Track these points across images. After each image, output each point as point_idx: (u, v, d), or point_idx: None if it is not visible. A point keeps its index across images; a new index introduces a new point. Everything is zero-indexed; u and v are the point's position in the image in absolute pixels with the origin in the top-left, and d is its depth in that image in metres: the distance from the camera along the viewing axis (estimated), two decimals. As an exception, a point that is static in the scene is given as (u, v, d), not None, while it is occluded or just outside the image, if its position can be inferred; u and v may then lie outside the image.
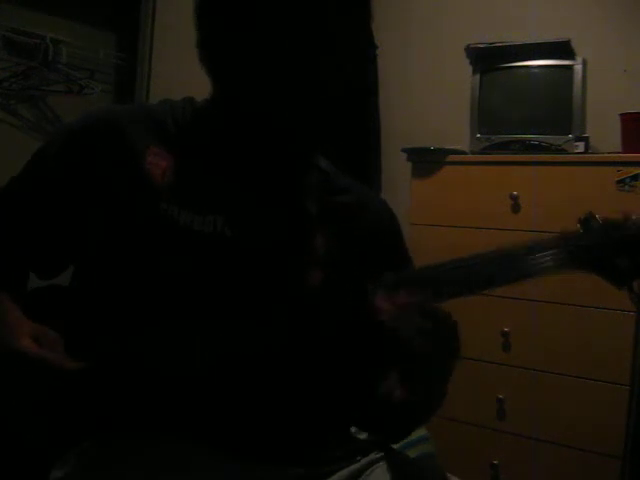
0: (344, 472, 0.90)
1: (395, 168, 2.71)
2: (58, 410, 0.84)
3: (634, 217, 0.80)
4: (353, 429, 1.03)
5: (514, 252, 0.82)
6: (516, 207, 2.25)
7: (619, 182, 2.07)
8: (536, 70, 2.37)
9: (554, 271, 0.80)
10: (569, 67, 2.28)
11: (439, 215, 2.41)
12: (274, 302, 0.85)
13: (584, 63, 2.28)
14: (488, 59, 2.41)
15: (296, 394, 0.90)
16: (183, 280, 0.86)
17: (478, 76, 2.43)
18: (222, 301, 0.85)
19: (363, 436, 1.05)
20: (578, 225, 0.82)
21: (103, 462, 0.82)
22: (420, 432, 1.61)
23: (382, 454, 0.94)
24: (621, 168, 2.07)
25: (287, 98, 0.86)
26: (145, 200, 0.89)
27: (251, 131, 0.91)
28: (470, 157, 2.42)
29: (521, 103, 2.38)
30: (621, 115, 2.22)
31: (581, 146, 2.20)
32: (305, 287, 0.89)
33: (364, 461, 0.92)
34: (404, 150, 2.53)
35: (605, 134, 2.29)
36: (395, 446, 1.00)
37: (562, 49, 2.28)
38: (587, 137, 2.22)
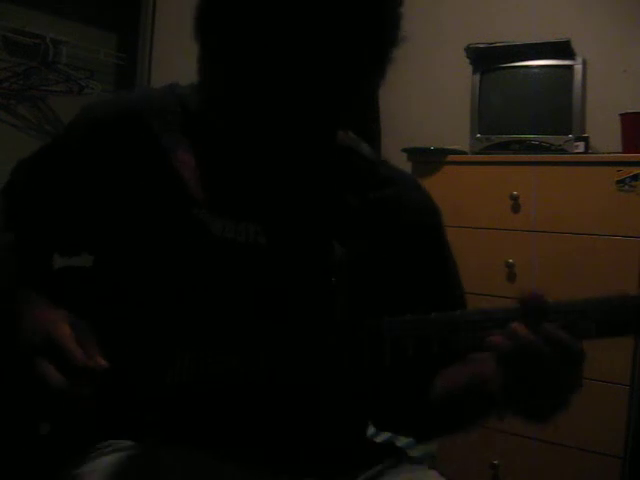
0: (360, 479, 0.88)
1: (395, 168, 2.71)
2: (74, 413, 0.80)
3: None
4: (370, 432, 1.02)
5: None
6: (516, 207, 2.25)
7: (619, 182, 2.07)
8: (536, 70, 2.36)
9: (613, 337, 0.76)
10: (569, 67, 2.28)
11: (439, 215, 2.41)
12: (308, 314, 0.81)
13: (584, 63, 2.28)
14: (488, 59, 2.41)
15: (315, 405, 0.86)
16: (214, 288, 0.82)
17: (478, 76, 2.43)
18: (256, 311, 0.81)
19: (379, 439, 1.03)
20: None
21: (116, 465, 0.79)
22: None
23: (394, 460, 0.91)
24: (621, 168, 2.07)
25: (285, 91, 0.77)
26: (177, 204, 0.83)
27: (259, 128, 0.81)
28: (470, 157, 2.41)
29: (521, 103, 2.38)
30: (621, 115, 2.22)
31: (581, 146, 2.20)
32: (343, 294, 0.84)
33: (377, 468, 0.89)
34: (404, 150, 2.53)
35: (605, 134, 2.29)
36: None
37: (562, 49, 2.28)
38: (587, 137, 2.21)
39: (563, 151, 2.23)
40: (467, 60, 2.46)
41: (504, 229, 2.26)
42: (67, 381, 0.75)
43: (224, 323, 0.81)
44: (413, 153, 2.51)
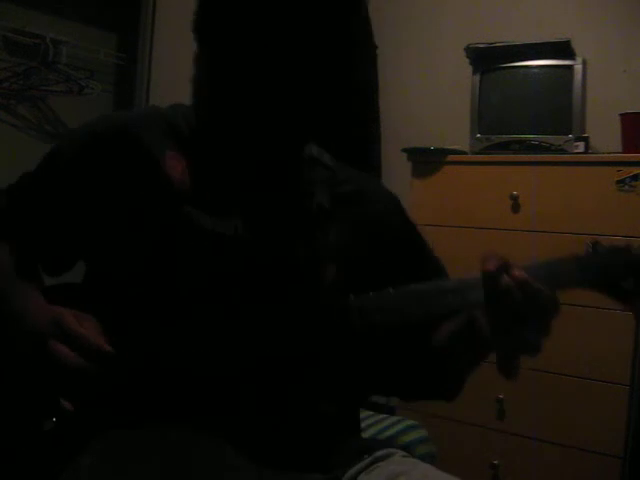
0: (352, 471, 0.91)
1: (395, 168, 2.71)
2: (80, 400, 0.85)
3: (636, 246, 0.88)
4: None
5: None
6: (516, 207, 2.25)
7: (619, 182, 2.07)
8: (536, 70, 2.37)
9: (564, 289, 0.85)
10: (569, 67, 2.28)
11: (439, 215, 2.41)
12: (295, 303, 0.86)
13: (584, 63, 2.28)
14: (488, 59, 2.42)
15: (314, 397, 0.90)
16: (207, 281, 0.87)
17: (478, 76, 2.43)
18: (245, 301, 0.86)
19: (366, 436, 1.05)
20: (587, 249, 0.90)
21: (124, 455, 0.82)
22: (420, 432, 1.61)
23: (385, 451, 0.95)
24: (621, 168, 2.07)
25: (265, 101, 0.84)
26: (167, 203, 0.89)
27: (240, 134, 0.89)
28: (470, 157, 2.42)
29: (521, 103, 2.38)
30: (621, 115, 2.22)
31: (581, 146, 2.20)
32: (325, 284, 0.91)
33: (369, 459, 0.93)
34: (404, 150, 2.53)
35: (605, 134, 2.29)
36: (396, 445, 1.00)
37: (562, 49, 2.28)
38: (587, 137, 2.22)
39: (563, 151, 2.23)
40: (467, 60, 2.46)
41: (504, 229, 2.26)
42: (81, 359, 0.82)
43: (217, 307, 0.85)
44: (413, 153, 2.51)
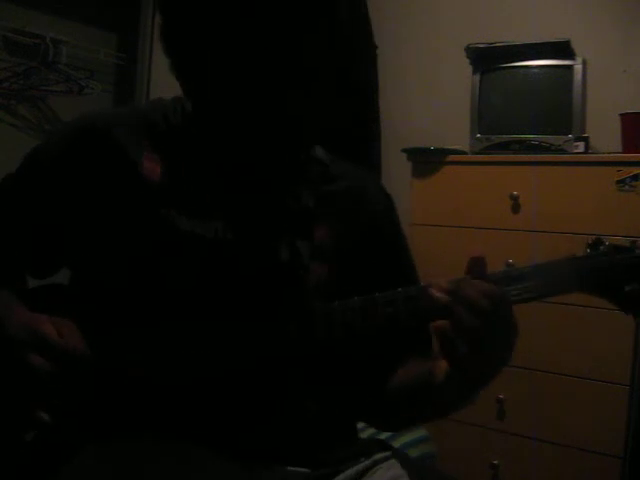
0: (348, 472, 0.90)
1: (395, 168, 2.71)
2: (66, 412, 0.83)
3: None
4: (359, 427, 1.03)
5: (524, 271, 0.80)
6: (516, 207, 2.25)
7: (619, 182, 2.07)
8: (536, 70, 2.37)
9: (563, 292, 0.80)
10: (569, 67, 2.28)
11: (439, 215, 2.41)
12: (280, 303, 0.85)
13: (584, 63, 2.28)
14: (488, 59, 2.42)
15: (302, 394, 0.90)
16: (186, 285, 0.85)
17: (478, 76, 2.43)
18: (228, 305, 0.85)
19: (365, 436, 1.04)
20: (587, 249, 0.83)
21: (105, 465, 0.81)
22: (420, 432, 1.61)
23: (385, 454, 0.94)
24: (621, 168, 2.07)
25: (261, 106, 0.84)
26: (144, 205, 0.88)
27: (231, 136, 0.90)
28: (470, 157, 2.42)
29: (521, 103, 2.38)
30: (621, 115, 2.22)
31: (581, 146, 2.20)
32: (311, 283, 0.89)
33: (367, 462, 0.92)
34: (404, 150, 2.53)
35: (605, 134, 2.29)
36: (396, 446, 0.99)
37: (562, 49, 2.28)
38: (587, 137, 2.22)
39: (563, 151, 2.23)
40: (467, 60, 2.46)
41: (504, 229, 2.26)
42: (53, 365, 0.79)
43: (199, 311, 0.84)
44: (413, 153, 2.51)
